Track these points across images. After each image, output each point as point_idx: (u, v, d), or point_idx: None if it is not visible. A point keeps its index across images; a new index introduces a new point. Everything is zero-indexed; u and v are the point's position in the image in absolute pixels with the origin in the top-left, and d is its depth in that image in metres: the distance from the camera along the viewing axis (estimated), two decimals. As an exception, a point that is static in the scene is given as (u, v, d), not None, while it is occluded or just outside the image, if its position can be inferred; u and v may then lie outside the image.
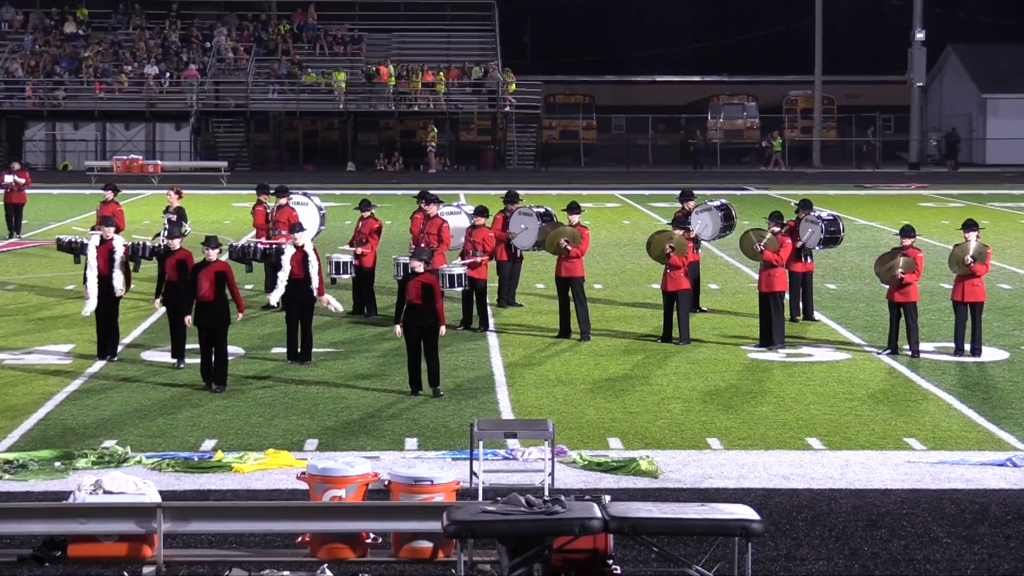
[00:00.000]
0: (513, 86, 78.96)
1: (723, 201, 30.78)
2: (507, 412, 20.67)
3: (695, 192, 31.04)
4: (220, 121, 79.39)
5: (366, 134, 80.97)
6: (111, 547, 12.97)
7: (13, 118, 77.30)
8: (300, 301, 23.51)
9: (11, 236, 41.01)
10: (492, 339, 26.19)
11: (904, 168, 80.00)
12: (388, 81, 78.14)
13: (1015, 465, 17.83)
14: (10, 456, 17.83)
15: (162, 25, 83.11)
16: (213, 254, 21.85)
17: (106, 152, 74.44)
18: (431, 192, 28.72)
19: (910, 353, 24.47)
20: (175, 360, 23.41)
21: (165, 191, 33.30)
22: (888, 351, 24.69)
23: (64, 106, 76.88)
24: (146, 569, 12.89)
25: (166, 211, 31.13)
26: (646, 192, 61.12)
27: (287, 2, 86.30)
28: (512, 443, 18.19)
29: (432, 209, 27.45)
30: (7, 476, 17.08)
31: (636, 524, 12.35)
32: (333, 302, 24.54)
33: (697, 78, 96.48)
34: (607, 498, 12.84)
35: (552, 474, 16.10)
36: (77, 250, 27.80)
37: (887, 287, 24.98)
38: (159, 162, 69.27)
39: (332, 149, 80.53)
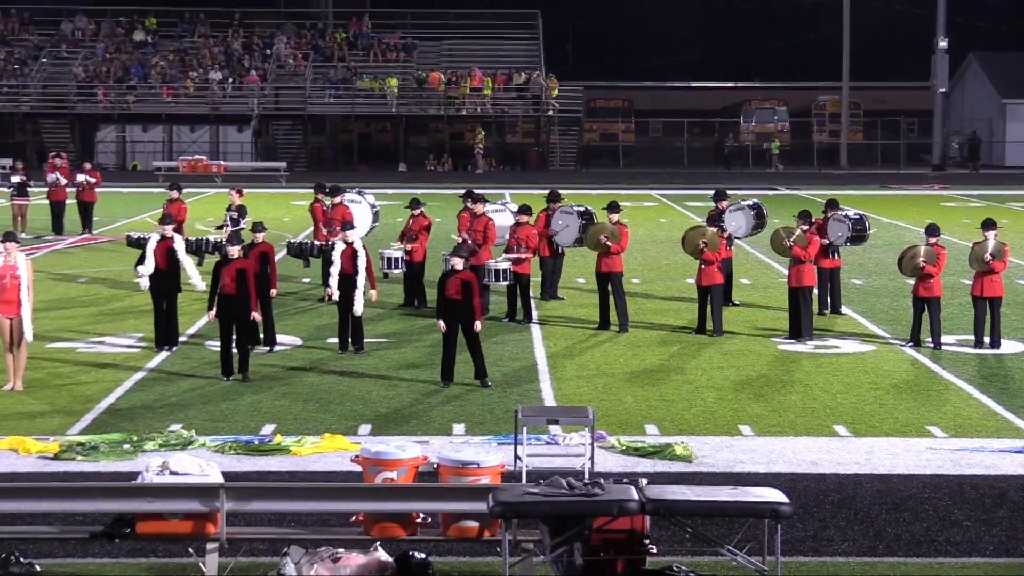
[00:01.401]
0: (556, 91, 78.95)
1: (755, 200, 30.78)
2: (549, 400, 20.69)
3: (728, 192, 30.98)
4: (279, 124, 79.65)
5: (417, 136, 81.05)
6: (177, 525, 13.03)
7: (86, 121, 77.70)
8: (351, 295, 23.54)
9: (83, 232, 41.21)
10: (535, 331, 26.20)
11: (927, 169, 79.64)
12: (438, 87, 78.25)
13: (1032, 452, 17.79)
14: (82, 439, 17.96)
15: (225, 33, 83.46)
16: (235, 250, 21.85)
17: (173, 153, 74.79)
18: (477, 191, 28.81)
19: (932, 345, 24.40)
20: (267, 348, 23.61)
21: (228, 190, 33.43)
22: (911, 343, 24.62)
23: (133, 110, 77.22)
24: (210, 546, 12.95)
25: (228, 208, 31.26)
26: (682, 192, 61.02)
27: (343, 12, 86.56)
28: (554, 429, 18.20)
29: (479, 208, 27.50)
30: (80, 457, 17.19)
31: (671, 506, 12.35)
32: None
33: (730, 84, 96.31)
34: (644, 481, 12.83)
35: (592, 458, 16.10)
36: (146, 245, 27.97)
37: (912, 282, 24.92)
38: (222, 162, 69.53)
39: (385, 150, 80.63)
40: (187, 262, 23.93)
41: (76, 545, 13.69)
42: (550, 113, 78.99)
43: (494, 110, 78.80)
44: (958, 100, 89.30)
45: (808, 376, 22.36)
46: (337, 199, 29.34)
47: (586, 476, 15.14)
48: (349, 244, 23.61)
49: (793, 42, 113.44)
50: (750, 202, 30.40)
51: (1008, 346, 24.76)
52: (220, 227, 30.05)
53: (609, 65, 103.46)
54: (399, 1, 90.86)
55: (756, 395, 21.00)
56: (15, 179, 41.54)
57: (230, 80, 78.61)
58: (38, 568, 13.11)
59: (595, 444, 16.53)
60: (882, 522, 15.03)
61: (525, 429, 16.26)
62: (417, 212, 28.63)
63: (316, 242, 28.87)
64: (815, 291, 26.49)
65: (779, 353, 24.28)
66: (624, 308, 26.24)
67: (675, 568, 12.71)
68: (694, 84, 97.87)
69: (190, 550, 13.27)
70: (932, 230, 24.84)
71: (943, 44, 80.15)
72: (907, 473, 16.87)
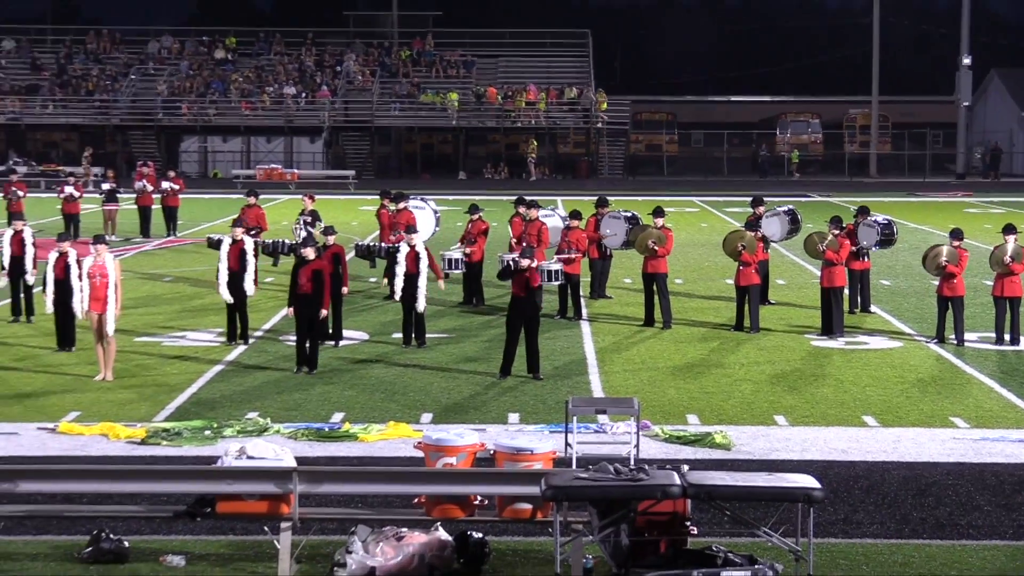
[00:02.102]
0: (605, 105, 78.88)
1: (791, 207, 30.70)
2: (598, 391, 20.67)
3: (765, 199, 30.88)
4: (349, 135, 79.87)
5: (475, 147, 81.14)
6: (254, 505, 13.09)
7: (171, 132, 78.19)
8: (414, 294, 23.59)
9: (168, 235, 41.44)
10: (585, 327, 26.18)
11: (951, 178, 79.12)
12: (495, 101, 78.33)
13: (1049, 442, 17.66)
14: (167, 425, 18.07)
15: (299, 52, 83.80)
16: (311, 252, 21.84)
17: (250, 162, 75.05)
18: (529, 198, 28.92)
19: (956, 342, 24.25)
20: (333, 342, 23.62)
21: (300, 196, 33.57)
22: (936, 340, 24.48)
23: (214, 122, 77.61)
24: (284, 525, 13.00)
25: (301, 213, 31.37)
26: (721, 199, 60.81)
27: (408, 31, 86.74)
28: (602, 418, 18.18)
29: (532, 213, 27.54)
30: (164, 443, 17.29)
31: (711, 490, 12.34)
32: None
33: (768, 98, 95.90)
34: (686, 467, 12.82)
35: (637, 446, 16.07)
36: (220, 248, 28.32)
37: (937, 283, 24.80)
38: (296, 171, 69.79)
39: (446, 160, 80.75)
40: (249, 271, 23.84)
41: (161, 523, 13.79)
42: (599, 125, 78.95)
43: (547, 122, 78.77)
44: (980, 113, 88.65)
45: (839, 370, 22.26)
46: (401, 205, 29.36)
47: (632, 462, 15.11)
48: (412, 247, 23.65)
49: (826, 59, 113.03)
50: (786, 208, 30.34)
51: (1027, 343, 24.61)
52: (295, 229, 30.21)
53: (654, 80, 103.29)
54: (460, 21, 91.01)
55: (790, 388, 20.92)
56: (106, 186, 41.88)
57: (303, 95, 78.89)
58: (126, 544, 13.21)
59: (640, 432, 16.50)
60: (908, 507, 14.96)
61: (575, 418, 16.26)
62: (475, 217, 28.67)
63: (382, 244, 28.94)
64: (846, 291, 26.38)
65: (812, 349, 24.18)
66: (668, 307, 26.20)
67: (714, 548, 12.70)
68: (733, 98, 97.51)
69: (265, 528, 13.33)
70: (956, 233, 24.73)
71: (967, 61, 79.60)
72: (932, 461, 16.77)
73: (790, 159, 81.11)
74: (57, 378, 21.26)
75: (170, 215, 41.93)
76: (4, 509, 13.39)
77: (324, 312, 21.91)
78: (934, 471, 16.33)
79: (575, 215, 27.74)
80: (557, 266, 26.46)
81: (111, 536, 13.19)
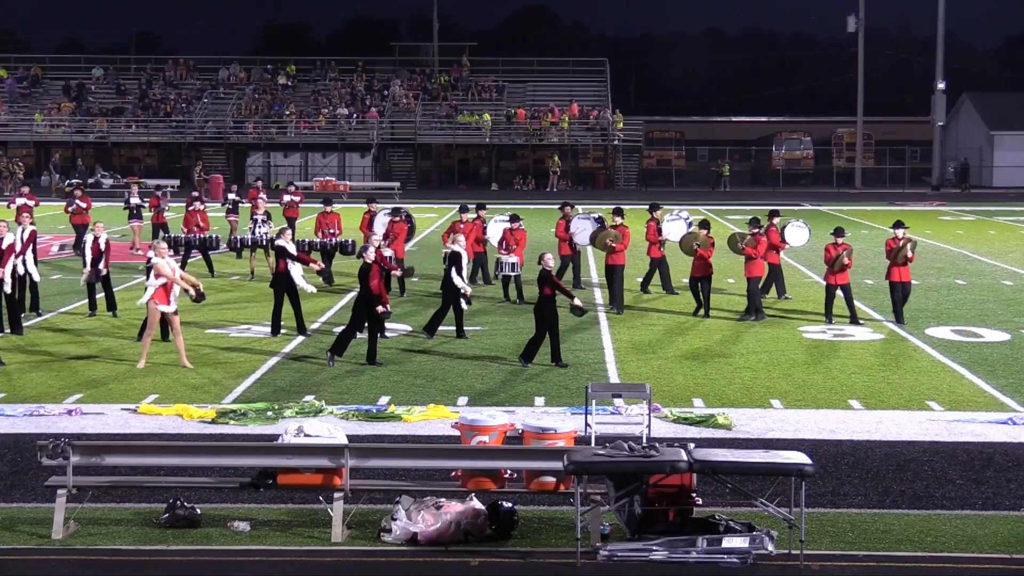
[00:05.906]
0: (621, 124, 78.77)
1: (686, 212, 31.52)
2: (614, 377, 20.62)
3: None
4: (394, 151, 79.96)
5: (506, 161, 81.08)
6: (310, 477, 13.10)
7: (239, 149, 78.41)
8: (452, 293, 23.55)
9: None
10: (603, 321, 26.08)
11: (927, 189, 78.75)
12: (523, 121, 78.31)
13: (1014, 423, 17.54)
14: (234, 407, 18.10)
15: (351, 77, 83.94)
16: (371, 257, 21.71)
17: (308, 175, 75.20)
18: (473, 203, 30.37)
19: (850, 320, 25.30)
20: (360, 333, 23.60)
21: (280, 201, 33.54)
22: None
23: (276, 139, 77.79)
24: (336, 495, 13.01)
25: (253, 214, 32.12)
26: (723, 207, 60.63)
27: (447, 59, 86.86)
28: (618, 401, 18.15)
29: (467, 216, 28.81)
30: (232, 422, 17.32)
31: (714, 466, 12.30)
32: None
33: (765, 118, 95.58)
34: (691, 445, 12.78)
35: (649, 426, 16.02)
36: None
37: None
38: (348, 183, 69.76)
39: (480, 173, 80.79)
40: (295, 264, 23.74)
41: (228, 493, 13.80)
42: (615, 142, 78.84)
43: (569, 140, 78.72)
44: (953, 132, 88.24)
45: (827, 359, 22.17)
46: (328, 208, 30.70)
47: (644, 441, 15.08)
48: (455, 253, 23.45)
49: (817, 83, 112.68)
50: (686, 213, 31.06)
51: (992, 335, 24.46)
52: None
53: (664, 103, 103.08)
54: (492, 51, 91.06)
55: (784, 375, 20.84)
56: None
57: (354, 115, 79.01)
58: (198, 511, 13.24)
59: (651, 414, 16.47)
60: (889, 480, 14.88)
61: (594, 402, 16.22)
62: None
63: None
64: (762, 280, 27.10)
65: (804, 340, 24.07)
66: (621, 294, 26.64)
67: (717, 517, 12.66)
68: (734, 118, 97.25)
69: (320, 498, 13.34)
70: (838, 232, 25.70)
71: (941, 85, 79.21)
72: (910, 440, 16.69)
73: (720, 172, 79.85)
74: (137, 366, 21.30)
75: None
76: (92, 480, 13.45)
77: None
78: (912, 449, 16.25)
79: (515, 218, 28.59)
80: (514, 259, 27.32)
81: (185, 504, 13.22)
